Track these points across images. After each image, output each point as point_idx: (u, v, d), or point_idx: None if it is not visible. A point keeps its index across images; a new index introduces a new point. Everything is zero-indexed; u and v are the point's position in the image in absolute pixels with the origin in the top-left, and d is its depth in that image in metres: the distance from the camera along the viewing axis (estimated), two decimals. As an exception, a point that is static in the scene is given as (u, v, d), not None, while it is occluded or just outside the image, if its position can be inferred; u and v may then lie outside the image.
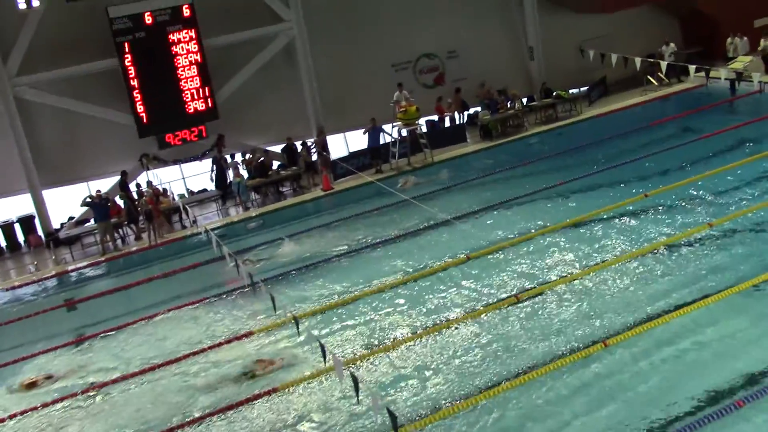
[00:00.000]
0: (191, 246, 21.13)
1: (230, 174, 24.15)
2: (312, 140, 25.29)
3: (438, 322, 14.22)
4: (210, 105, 24.03)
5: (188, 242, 21.47)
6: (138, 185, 23.88)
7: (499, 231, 18.08)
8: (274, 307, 13.24)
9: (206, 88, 23.86)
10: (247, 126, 25.67)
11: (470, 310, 14.45)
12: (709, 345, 12.01)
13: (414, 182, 22.88)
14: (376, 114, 24.82)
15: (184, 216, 22.41)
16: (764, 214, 16.27)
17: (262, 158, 24.62)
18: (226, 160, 24.39)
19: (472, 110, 27.60)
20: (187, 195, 25.08)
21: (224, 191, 24.48)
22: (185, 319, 16.62)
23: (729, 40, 27.69)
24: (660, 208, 17.70)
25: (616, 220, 17.45)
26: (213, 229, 19.23)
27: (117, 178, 23.70)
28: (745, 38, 27.30)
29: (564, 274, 15.11)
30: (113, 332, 16.56)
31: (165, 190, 23.74)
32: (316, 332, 13.24)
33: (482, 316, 14.09)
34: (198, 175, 25.42)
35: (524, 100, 27.49)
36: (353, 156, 24.79)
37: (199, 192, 25.56)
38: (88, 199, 21.97)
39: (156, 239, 21.76)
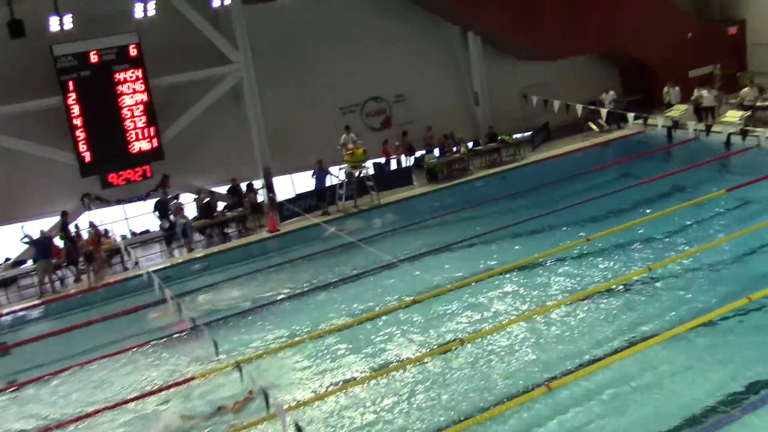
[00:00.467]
0: (132, 288, 20.65)
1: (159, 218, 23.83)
2: (259, 181, 25.22)
3: (384, 365, 14.16)
4: (155, 145, 23.77)
5: (129, 284, 20.99)
6: (77, 226, 23.31)
7: (444, 274, 18.19)
8: (216, 351, 13.02)
9: (152, 128, 23.61)
10: (193, 166, 25.43)
11: (415, 353, 14.44)
12: (650, 387, 12.22)
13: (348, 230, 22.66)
14: (324, 156, 24.89)
15: (125, 257, 21.97)
16: (700, 258, 16.75)
17: (207, 199, 24.37)
18: (171, 200, 24.03)
19: (418, 153, 27.89)
20: (129, 236, 24.62)
21: (169, 232, 24.09)
22: (124, 365, 16.19)
23: (666, 89, 28.75)
24: (601, 252, 18.08)
25: (559, 264, 17.74)
26: (156, 271, 18.92)
27: (57, 218, 23.13)
28: (677, 88, 28.40)
29: (508, 318, 15.23)
30: (49, 378, 16.03)
31: (106, 230, 23.27)
32: (259, 377, 13.01)
33: (427, 359, 14.08)
34: (141, 215, 24.99)
35: (470, 144, 27.91)
36: (300, 198, 24.72)
37: (142, 233, 25.12)
38: (28, 238, 21.37)
39: (96, 281, 21.25)
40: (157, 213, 23.68)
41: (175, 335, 17.00)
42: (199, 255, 22.46)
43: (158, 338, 17.12)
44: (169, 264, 22.09)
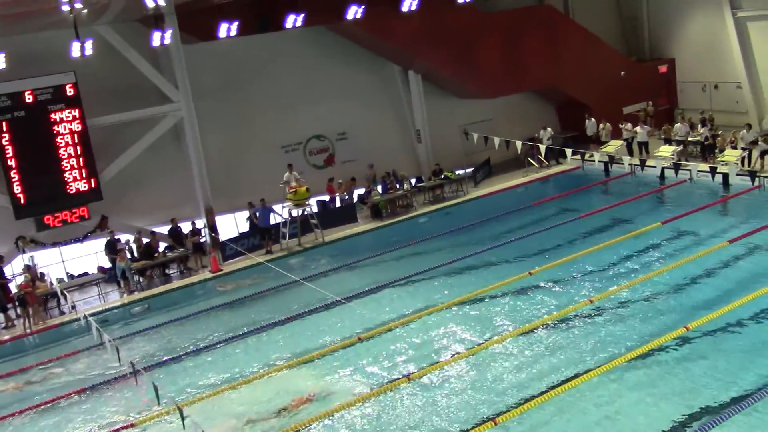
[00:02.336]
0: (69, 333, 20.03)
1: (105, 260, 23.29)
2: (201, 221, 24.89)
3: (329, 406, 13.94)
4: (93, 185, 23.25)
5: (66, 329, 20.33)
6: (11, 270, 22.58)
7: (389, 311, 18.15)
8: (157, 396, 12.63)
9: (89, 168, 23.13)
10: (133, 207, 24.99)
11: (361, 392, 14.28)
12: (596, 418, 12.34)
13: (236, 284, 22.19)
14: (266, 194, 24.72)
15: (62, 301, 21.31)
16: (639, 289, 17.11)
17: (147, 240, 23.89)
18: (119, 241, 23.53)
19: (361, 191, 27.95)
20: (66, 279, 23.91)
21: (109, 275, 23.53)
22: (61, 412, 15.60)
23: (601, 125, 29.60)
24: (544, 285, 18.30)
25: (503, 298, 17.89)
26: (93, 315, 18.40)
27: (-11, 262, 22.37)
28: (608, 124, 29.33)
29: (454, 353, 15.26)
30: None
31: (42, 274, 22.57)
32: (202, 422, 12.67)
33: (374, 397, 13.94)
34: (79, 258, 24.32)
35: (413, 181, 28.12)
36: (242, 237, 24.45)
37: (80, 275, 24.42)
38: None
39: (31, 327, 20.52)
40: (107, 252, 23.15)
41: (113, 380, 16.46)
42: (139, 297, 21.93)
43: (96, 384, 16.55)
44: (107, 307, 21.49)
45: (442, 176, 27.63)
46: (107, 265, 23.85)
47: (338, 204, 27.07)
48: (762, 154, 24.70)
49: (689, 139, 27.22)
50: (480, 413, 12.92)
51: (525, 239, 21.72)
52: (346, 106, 28.55)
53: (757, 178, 22.33)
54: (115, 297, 22.36)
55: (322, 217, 25.20)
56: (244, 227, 25.23)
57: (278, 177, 25.06)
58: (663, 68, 33.42)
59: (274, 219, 24.65)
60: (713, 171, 22.24)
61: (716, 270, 17.86)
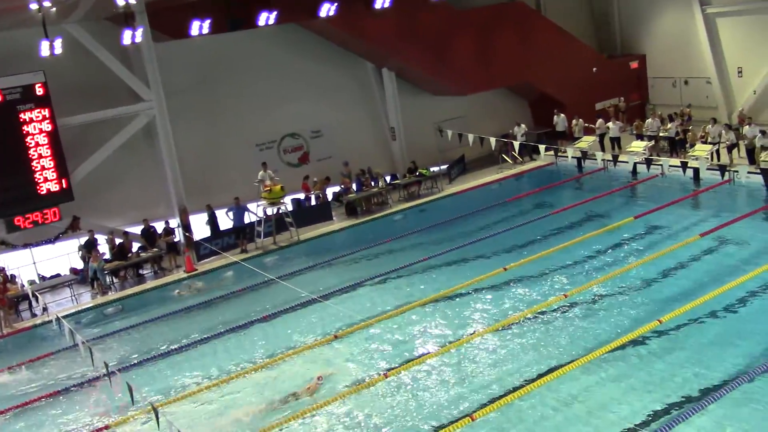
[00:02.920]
0: (42, 336, 19.78)
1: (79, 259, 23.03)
2: (175, 220, 24.71)
3: (306, 404, 13.90)
4: (64, 186, 22.96)
5: (38, 332, 20.08)
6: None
7: (366, 308, 18.14)
8: (131, 397, 12.52)
9: (60, 168, 22.83)
10: (106, 207, 24.72)
11: (339, 390, 14.26)
12: (571, 412, 12.44)
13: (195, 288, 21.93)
14: (241, 193, 24.59)
15: (34, 303, 21.04)
16: (613, 283, 17.27)
17: (120, 240, 23.65)
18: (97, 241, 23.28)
19: (336, 189, 27.90)
20: (38, 281, 23.60)
21: (81, 275, 23.27)
22: (33, 416, 15.41)
23: (574, 121, 29.82)
24: (518, 281, 18.42)
25: (478, 294, 17.97)
26: (66, 317, 18.18)
27: (-41, 265, 22.04)
28: (581, 120, 29.56)
29: (431, 350, 15.28)
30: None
31: (13, 276, 22.26)
32: (177, 423, 12.58)
33: (352, 395, 13.92)
34: (51, 259, 24.03)
35: (388, 178, 28.12)
36: (217, 236, 24.30)
37: (52, 277, 24.12)
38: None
39: (2, 330, 20.23)
40: (83, 252, 22.89)
41: (87, 382, 16.28)
42: (112, 298, 21.72)
43: (70, 386, 16.37)
44: (80, 309, 21.25)
45: (417, 173, 27.67)
46: (79, 266, 23.60)
47: (313, 202, 27.01)
48: (730, 148, 25.07)
49: (660, 134, 27.52)
50: (457, 409, 12.97)
51: (500, 235, 21.84)
52: (320, 104, 28.48)
53: (727, 173, 22.62)
54: (87, 298, 22.12)
55: (298, 215, 25.12)
56: (219, 226, 25.05)
57: (253, 175, 24.96)
58: (634, 64, 33.76)
59: (248, 218, 24.52)
60: (684, 166, 22.50)
61: (688, 263, 18.08)
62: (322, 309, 18.09)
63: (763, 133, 23.83)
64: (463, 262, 20.46)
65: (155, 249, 23.53)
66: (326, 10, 25.34)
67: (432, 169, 28.37)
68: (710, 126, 25.90)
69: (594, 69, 32.29)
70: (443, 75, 29.00)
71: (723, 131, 25.36)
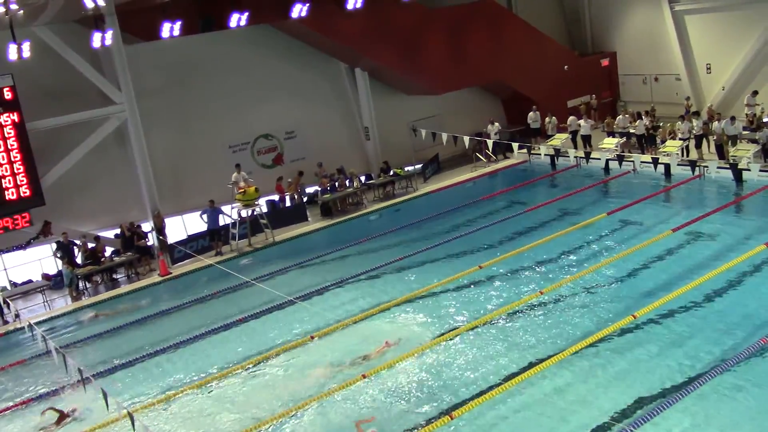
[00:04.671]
0: (14, 343, 19.50)
1: (59, 263, 22.76)
2: (148, 223, 24.50)
3: (285, 406, 13.87)
4: (35, 190, 22.67)
5: (10, 339, 19.79)
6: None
7: (342, 309, 18.14)
8: (106, 403, 12.40)
9: (30, 173, 22.51)
10: (78, 211, 24.49)
11: (317, 392, 14.22)
12: (548, 408, 12.52)
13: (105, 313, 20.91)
14: (215, 195, 24.45)
15: (5, 310, 20.74)
16: (587, 280, 17.42)
17: (93, 245, 23.40)
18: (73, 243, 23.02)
19: (311, 190, 27.86)
20: (9, 287, 23.29)
21: (54, 281, 23.00)
22: (7, 423, 15.19)
23: (547, 119, 30.02)
24: (494, 278, 18.51)
25: (454, 293, 18.04)
26: (39, 323, 17.96)
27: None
28: (554, 117, 29.79)
29: (408, 349, 15.27)
30: None
31: (-17, 283, 21.99)
32: (153, 429, 12.52)
33: (331, 396, 13.89)
34: (23, 265, 23.72)
35: (362, 178, 28.13)
36: (192, 239, 24.13)
37: (24, 283, 23.81)
38: None
39: (-27, 337, 19.94)
40: (59, 255, 22.61)
41: (62, 389, 16.09)
42: (86, 303, 21.49)
43: (43, 394, 16.16)
44: (53, 315, 20.99)
45: (391, 173, 27.70)
46: (52, 271, 23.32)
47: (288, 203, 26.93)
48: (698, 143, 25.39)
49: (631, 131, 27.80)
50: (435, 408, 12.99)
51: (475, 233, 21.93)
52: (293, 105, 28.41)
53: (697, 168, 22.92)
54: (61, 304, 21.86)
55: (272, 216, 25.04)
56: (193, 229, 24.90)
57: (226, 177, 24.84)
58: (605, 62, 34.10)
59: (223, 220, 24.38)
60: (655, 162, 22.75)
61: (661, 258, 18.29)
62: (298, 310, 18.03)
63: (732, 119, 24.19)
64: (439, 260, 20.52)
65: (129, 253, 23.31)
66: (298, 10, 25.27)
67: (407, 169, 28.41)
68: (680, 122, 26.22)
69: (566, 67, 32.56)
70: (416, 74, 29.06)
71: (693, 121, 25.65)
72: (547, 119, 30.06)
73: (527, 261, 19.23)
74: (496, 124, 29.97)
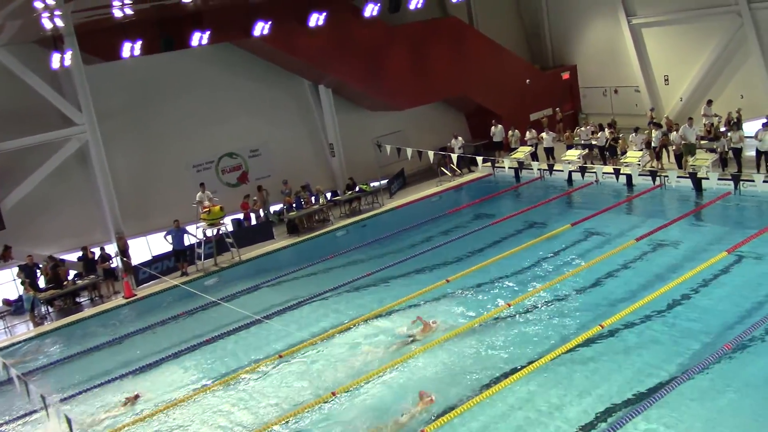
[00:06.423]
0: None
1: (20, 288, 22.30)
2: (112, 245, 24.15)
3: (254, 427, 13.71)
4: (-6, 214, 22.26)
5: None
6: None
7: (310, 326, 18.02)
8: (70, 428, 12.15)
9: (-11, 197, 22.15)
10: (39, 234, 24.10)
11: (286, 410, 14.10)
12: (520, 421, 12.52)
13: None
14: (180, 215, 24.20)
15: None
16: (554, 291, 17.54)
17: (56, 268, 22.98)
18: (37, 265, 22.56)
19: (277, 206, 27.73)
20: (-32, 313, 22.76)
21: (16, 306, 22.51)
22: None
23: (510, 132, 30.29)
24: (461, 292, 18.53)
25: (422, 307, 17.99)
26: (0, 350, 17.56)
27: None
28: (517, 131, 30.08)
29: (377, 366, 15.21)
30: None
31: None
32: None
33: (301, 414, 13.77)
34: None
35: (328, 195, 28.07)
36: (156, 260, 23.84)
37: (-18, 309, 23.30)
38: None
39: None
40: (23, 279, 22.13)
41: (23, 416, 15.72)
42: (48, 328, 21.06)
43: (6, 422, 15.78)
44: (14, 341, 20.54)
45: (357, 189, 27.70)
46: (12, 296, 22.85)
47: (254, 222, 26.76)
48: (657, 155, 25.81)
49: (593, 142, 28.16)
50: (405, 424, 12.92)
51: (441, 247, 21.98)
52: (257, 123, 28.34)
53: (657, 178, 23.27)
54: (23, 329, 21.41)
55: (238, 235, 24.86)
56: (158, 250, 24.60)
57: (191, 197, 24.64)
58: (566, 75, 34.58)
59: (188, 240, 24.13)
60: (617, 172, 23.05)
61: (626, 267, 18.49)
62: (266, 329, 17.89)
63: (689, 121, 24.64)
64: (406, 275, 20.51)
65: (92, 276, 22.94)
66: (260, 28, 25.28)
67: (372, 184, 28.44)
68: (633, 134, 26.65)
69: (527, 81, 32.95)
70: (379, 91, 29.18)
71: (653, 132, 26.05)
72: (510, 133, 30.34)
73: (494, 273, 19.30)
74: (460, 138, 30.20)
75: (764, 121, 23.24)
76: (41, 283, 22.62)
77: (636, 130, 26.94)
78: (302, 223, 26.19)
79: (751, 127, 23.71)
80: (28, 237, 23.70)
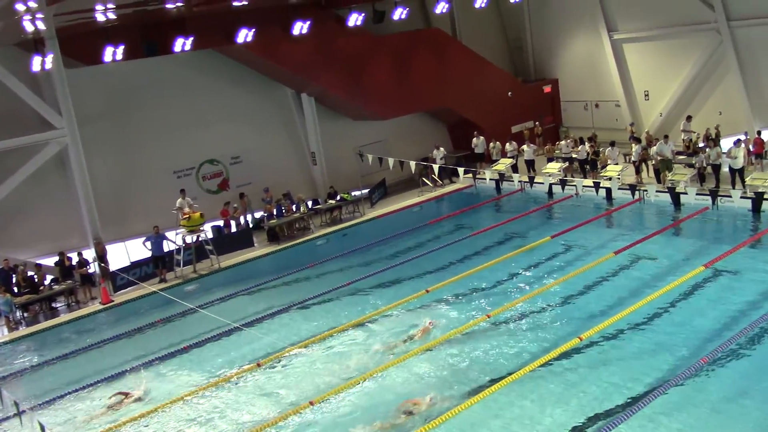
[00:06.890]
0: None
1: None
2: (90, 251, 23.92)
3: (231, 435, 13.63)
4: (-30, 218, 21.99)
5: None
6: None
7: (289, 334, 17.95)
8: (44, 436, 11.99)
9: (-35, 200, 21.87)
10: (15, 239, 23.79)
11: (264, 419, 14.00)
12: (499, 428, 12.55)
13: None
14: (159, 221, 24.03)
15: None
16: (534, 302, 17.61)
17: (31, 273, 22.72)
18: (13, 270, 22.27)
19: (258, 214, 27.63)
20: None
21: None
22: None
23: (491, 144, 30.45)
24: (441, 302, 18.54)
25: (402, 317, 17.97)
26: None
27: None
28: (498, 143, 30.25)
29: (354, 375, 15.16)
30: None
31: None
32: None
33: (280, 422, 13.68)
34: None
35: (309, 203, 28.01)
36: (135, 266, 23.63)
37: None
38: None
39: None
40: None
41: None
42: (23, 333, 20.78)
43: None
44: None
45: (338, 198, 27.68)
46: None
47: (234, 229, 26.63)
48: (637, 169, 26.05)
49: (573, 155, 28.36)
50: (383, 433, 12.92)
51: (422, 257, 22.00)
52: (239, 130, 28.24)
53: (637, 192, 23.47)
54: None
55: (218, 242, 24.72)
56: (137, 255, 24.40)
57: (171, 203, 24.45)
58: (547, 88, 34.83)
59: (167, 246, 23.94)
60: (597, 186, 23.24)
61: (604, 280, 18.62)
62: (244, 337, 17.79)
63: (665, 138, 24.91)
64: (387, 285, 20.50)
65: (69, 281, 22.69)
66: (243, 35, 25.25)
67: (353, 194, 28.43)
68: (609, 148, 26.89)
69: (509, 93, 33.14)
70: (362, 100, 29.22)
71: (633, 146, 26.28)
72: (491, 144, 30.49)
73: (474, 284, 19.36)
74: (442, 149, 30.31)
75: (735, 138, 23.62)
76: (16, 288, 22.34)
77: (612, 143, 27.18)
78: (282, 231, 26.11)
79: (728, 144, 24.00)
80: (5, 241, 23.42)
